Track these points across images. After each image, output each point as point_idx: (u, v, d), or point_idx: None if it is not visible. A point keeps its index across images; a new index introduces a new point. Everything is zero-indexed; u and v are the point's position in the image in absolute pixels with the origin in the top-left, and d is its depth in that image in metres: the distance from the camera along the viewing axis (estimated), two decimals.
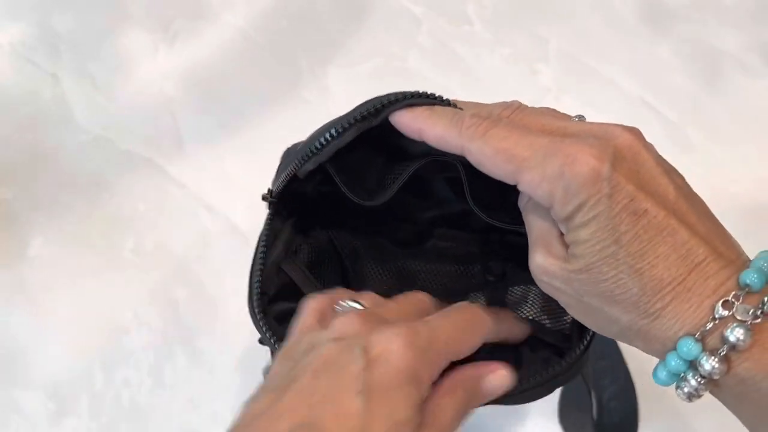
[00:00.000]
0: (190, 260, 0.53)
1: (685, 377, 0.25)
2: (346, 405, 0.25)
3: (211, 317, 0.51)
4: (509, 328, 0.33)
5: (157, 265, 0.53)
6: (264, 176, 0.59)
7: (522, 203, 0.29)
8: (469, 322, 0.30)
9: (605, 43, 0.65)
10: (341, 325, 0.28)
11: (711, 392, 0.26)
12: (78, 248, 0.54)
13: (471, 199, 0.31)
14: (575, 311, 0.28)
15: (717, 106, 0.61)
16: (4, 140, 0.59)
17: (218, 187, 0.57)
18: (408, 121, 0.30)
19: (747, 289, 0.24)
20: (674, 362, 0.25)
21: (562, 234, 0.27)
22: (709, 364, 0.24)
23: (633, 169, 0.25)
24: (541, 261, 0.27)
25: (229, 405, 0.48)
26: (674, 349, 0.25)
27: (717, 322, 0.24)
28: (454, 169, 0.30)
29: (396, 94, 0.30)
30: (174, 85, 0.62)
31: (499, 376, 0.30)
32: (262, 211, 0.54)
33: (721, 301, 0.24)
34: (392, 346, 0.26)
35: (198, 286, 0.52)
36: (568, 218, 0.25)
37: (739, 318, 0.24)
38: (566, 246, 0.27)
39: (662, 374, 0.26)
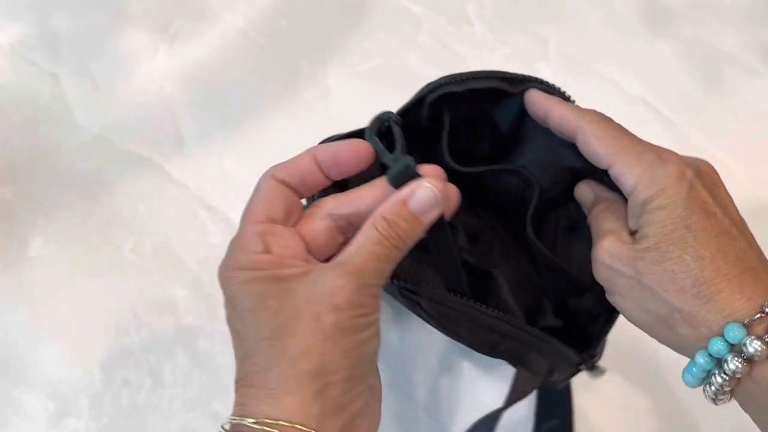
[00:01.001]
0: (190, 260, 0.53)
1: (713, 376, 0.28)
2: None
3: (211, 317, 0.51)
4: None
5: (157, 265, 0.53)
6: None
7: (589, 202, 0.35)
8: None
9: (605, 43, 0.65)
10: None
11: (735, 395, 0.28)
12: (78, 248, 0.54)
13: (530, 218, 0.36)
14: (629, 295, 0.30)
15: (717, 106, 0.61)
16: (4, 140, 0.59)
17: (218, 187, 0.57)
18: (541, 99, 0.34)
19: None
20: (717, 347, 0.27)
21: (628, 229, 0.31)
22: (753, 346, 0.26)
23: (710, 186, 0.30)
24: (610, 245, 0.31)
25: (229, 405, 0.48)
26: (719, 334, 0.27)
27: (764, 316, 0.27)
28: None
29: (535, 77, 0.35)
30: (174, 85, 0.62)
31: (423, 189, 0.29)
32: None
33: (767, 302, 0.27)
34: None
35: (198, 286, 0.52)
36: (648, 201, 0.29)
37: None
38: (632, 234, 0.31)
39: (693, 369, 0.28)
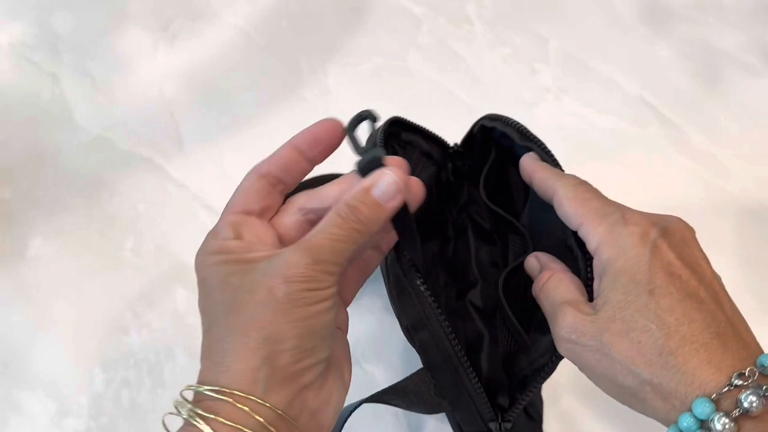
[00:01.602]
0: (190, 260, 0.53)
1: None
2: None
3: None
4: None
5: (157, 265, 0.53)
6: None
7: (536, 273, 0.35)
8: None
9: (605, 43, 0.65)
10: None
11: None
12: (78, 248, 0.54)
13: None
14: (597, 369, 0.29)
15: (717, 106, 0.61)
16: (4, 140, 0.59)
17: (218, 187, 0.57)
18: (529, 163, 0.35)
19: (762, 370, 0.26)
20: (686, 423, 0.26)
21: (585, 298, 0.31)
22: (720, 423, 0.25)
23: (678, 246, 0.29)
24: (572, 319, 0.30)
25: None
26: (689, 409, 0.26)
27: (732, 389, 0.26)
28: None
29: (540, 141, 0.37)
30: (174, 85, 0.62)
31: (385, 177, 0.30)
32: None
33: (737, 372, 0.26)
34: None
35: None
36: (610, 261, 0.29)
37: (752, 389, 0.25)
38: (593, 306, 0.30)
39: None
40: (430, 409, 0.40)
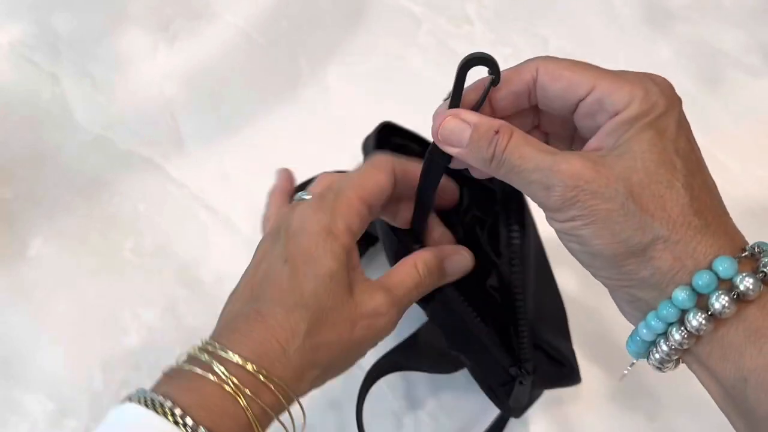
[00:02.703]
0: (190, 260, 0.53)
1: (713, 299, 0.25)
2: (277, 276, 0.30)
3: (211, 317, 0.51)
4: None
5: (157, 265, 0.53)
6: (264, 176, 0.59)
7: (500, 149, 0.28)
8: (372, 163, 0.33)
9: (605, 43, 0.65)
10: (275, 218, 0.34)
11: (695, 351, 0.26)
12: (78, 248, 0.54)
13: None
14: (603, 222, 0.26)
15: (717, 106, 0.61)
16: (4, 140, 0.59)
17: (218, 187, 0.57)
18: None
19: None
20: (703, 280, 0.25)
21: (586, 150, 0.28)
22: (745, 283, 0.24)
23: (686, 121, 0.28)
24: (580, 165, 0.26)
25: None
26: (708, 267, 0.25)
27: (748, 255, 0.25)
28: None
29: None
30: (174, 85, 0.62)
31: (460, 257, 0.35)
32: (262, 210, 0.54)
33: (751, 245, 0.26)
34: (303, 217, 0.31)
35: (198, 286, 0.52)
36: (641, 116, 0.26)
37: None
38: (601, 155, 0.27)
39: (680, 295, 0.25)
40: (447, 366, 0.40)
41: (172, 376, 0.28)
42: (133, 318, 0.51)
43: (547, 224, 0.29)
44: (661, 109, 0.26)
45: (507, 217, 0.40)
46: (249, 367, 0.28)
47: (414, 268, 0.33)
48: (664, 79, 0.28)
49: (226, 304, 0.33)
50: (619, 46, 0.65)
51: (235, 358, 0.28)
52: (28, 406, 0.48)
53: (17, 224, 0.55)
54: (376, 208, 0.33)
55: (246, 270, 0.33)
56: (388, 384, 0.47)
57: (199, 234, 0.55)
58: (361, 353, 0.32)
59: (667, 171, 0.26)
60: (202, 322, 0.51)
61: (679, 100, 0.27)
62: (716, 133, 0.59)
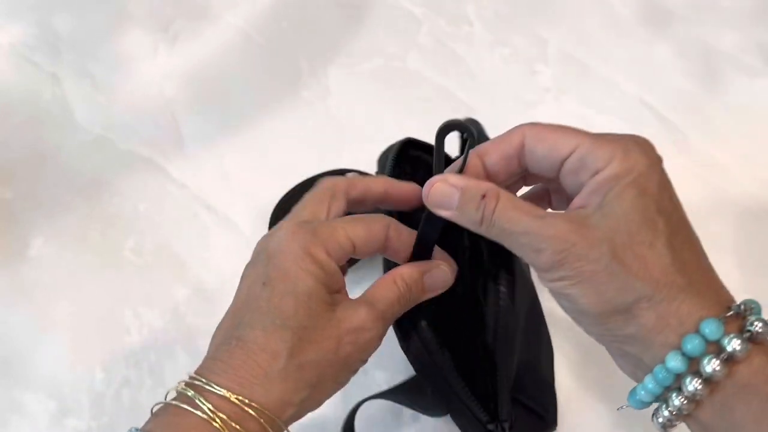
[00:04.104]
0: (190, 260, 0.53)
1: (702, 364, 0.25)
2: (256, 299, 0.30)
3: (211, 317, 0.51)
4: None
5: (157, 265, 0.53)
6: (264, 176, 0.59)
7: (488, 212, 0.30)
8: (370, 215, 0.33)
9: (605, 43, 0.65)
10: (258, 242, 0.33)
11: (702, 408, 0.26)
12: (78, 248, 0.54)
13: None
14: (589, 283, 0.27)
15: (717, 106, 0.61)
16: (4, 140, 0.59)
17: (218, 187, 0.57)
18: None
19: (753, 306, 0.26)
20: (691, 345, 0.25)
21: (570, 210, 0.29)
22: (732, 344, 0.24)
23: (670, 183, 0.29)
24: (566, 228, 0.27)
25: None
26: (694, 330, 0.25)
27: (732, 315, 0.25)
28: None
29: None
30: (174, 85, 0.63)
31: (439, 271, 0.34)
32: (263, 210, 0.54)
33: (736, 303, 0.26)
34: (282, 239, 0.30)
35: (198, 286, 0.52)
36: (623, 174, 0.27)
37: (755, 316, 0.25)
38: (585, 217, 0.28)
39: (672, 363, 0.26)
40: (437, 411, 0.40)
41: (158, 413, 0.29)
42: (133, 317, 0.51)
43: None
44: (642, 168, 0.28)
45: (495, 267, 0.39)
46: (232, 397, 0.27)
47: (394, 284, 0.32)
48: (646, 139, 0.29)
49: (213, 336, 0.32)
50: (618, 46, 0.65)
51: (217, 389, 0.28)
52: (28, 406, 0.48)
53: (17, 224, 0.55)
54: (361, 251, 0.32)
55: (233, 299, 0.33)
56: (388, 384, 0.47)
57: (199, 234, 0.55)
58: (352, 370, 0.31)
59: (648, 231, 0.27)
60: (202, 321, 0.51)
61: (659, 159, 0.29)
62: (716, 133, 0.59)
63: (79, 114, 0.61)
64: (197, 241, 0.54)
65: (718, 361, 0.25)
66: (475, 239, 0.43)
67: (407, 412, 0.47)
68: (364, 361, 0.32)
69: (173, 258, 0.53)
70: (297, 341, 0.29)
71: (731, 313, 0.26)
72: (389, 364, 0.48)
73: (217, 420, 0.27)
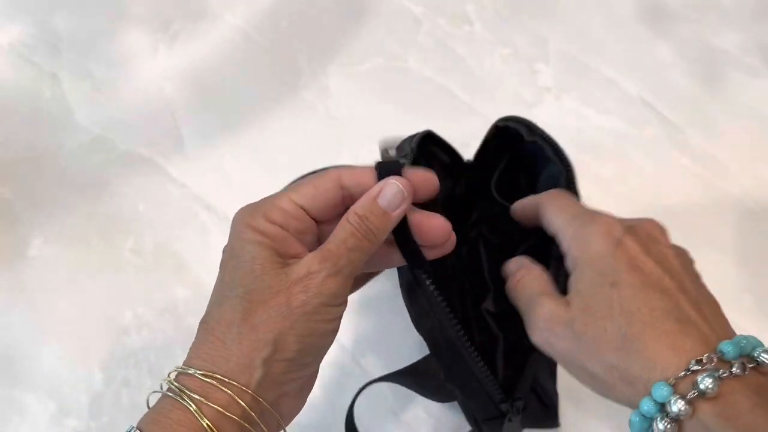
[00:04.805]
0: (190, 260, 0.53)
1: (656, 423, 0.27)
2: (216, 281, 0.31)
3: None
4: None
5: (157, 265, 0.53)
6: (264, 176, 0.59)
7: (514, 282, 0.35)
8: (317, 174, 0.33)
9: (605, 43, 0.65)
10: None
11: None
12: (78, 248, 0.54)
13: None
14: (569, 357, 0.31)
15: (717, 106, 0.61)
16: (4, 140, 0.59)
17: (218, 187, 0.57)
18: (518, 207, 0.39)
19: (720, 356, 0.27)
20: (647, 406, 0.27)
21: (558, 292, 0.32)
22: (676, 406, 0.26)
23: (645, 241, 0.31)
24: (549, 309, 0.31)
25: None
26: (649, 393, 0.27)
27: (690, 373, 0.26)
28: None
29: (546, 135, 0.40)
30: (174, 85, 0.63)
31: (390, 186, 0.31)
32: None
33: (696, 358, 0.27)
34: (233, 221, 0.32)
35: (198, 286, 0.52)
36: (577, 257, 0.31)
37: (709, 372, 0.26)
38: (565, 299, 0.31)
39: (635, 419, 0.28)
40: (443, 396, 0.40)
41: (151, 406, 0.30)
42: (133, 318, 0.51)
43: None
44: (594, 248, 0.31)
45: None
46: (196, 373, 0.28)
47: (345, 221, 0.30)
48: (607, 218, 0.32)
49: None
50: (619, 46, 0.65)
51: (184, 369, 0.28)
52: (28, 406, 0.48)
53: (17, 224, 0.55)
54: (316, 209, 0.31)
55: None
56: (389, 384, 0.47)
57: (199, 234, 0.55)
58: (314, 320, 0.29)
59: (605, 305, 0.29)
60: None
61: (616, 236, 0.31)
62: (716, 133, 0.59)
63: (79, 114, 0.61)
64: (197, 241, 0.54)
65: (668, 420, 0.26)
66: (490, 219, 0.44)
67: (408, 412, 0.47)
68: (329, 307, 0.30)
69: (173, 258, 0.53)
70: (247, 305, 0.29)
71: (683, 374, 0.26)
72: (387, 358, 0.48)
73: (185, 397, 0.27)
